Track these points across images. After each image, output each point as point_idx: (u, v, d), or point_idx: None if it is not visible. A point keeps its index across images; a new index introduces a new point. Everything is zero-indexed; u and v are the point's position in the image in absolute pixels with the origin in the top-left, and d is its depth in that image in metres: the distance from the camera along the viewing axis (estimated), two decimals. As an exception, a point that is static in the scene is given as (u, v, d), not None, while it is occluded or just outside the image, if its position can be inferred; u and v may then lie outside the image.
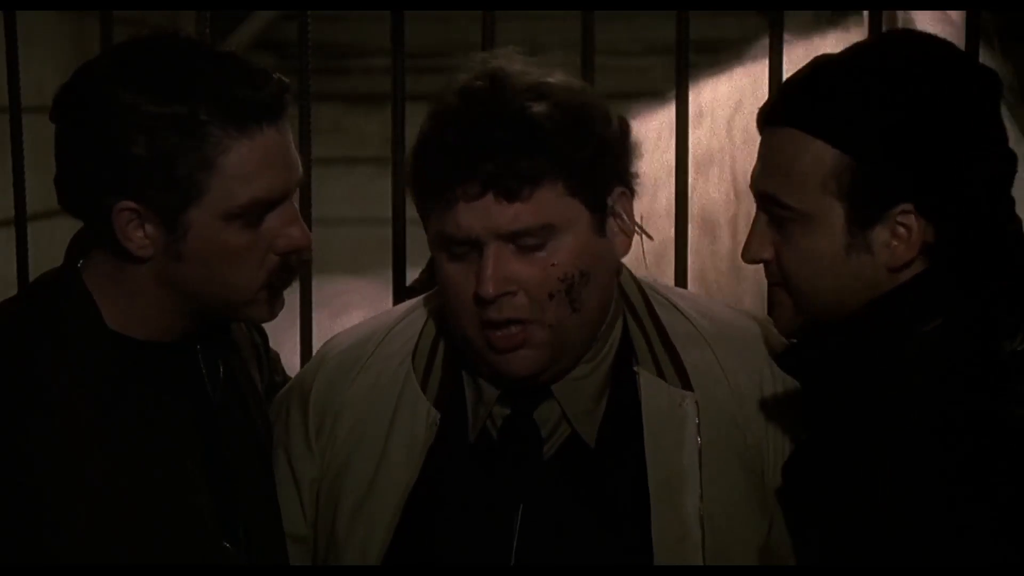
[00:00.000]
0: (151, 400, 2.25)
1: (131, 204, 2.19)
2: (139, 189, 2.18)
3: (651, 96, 3.37)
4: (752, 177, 2.29)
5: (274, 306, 2.31)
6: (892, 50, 2.26)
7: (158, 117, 2.16)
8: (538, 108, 2.26)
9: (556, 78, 2.32)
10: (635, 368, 2.38)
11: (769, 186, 2.25)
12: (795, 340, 2.34)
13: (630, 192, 2.36)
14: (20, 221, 3.04)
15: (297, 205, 2.32)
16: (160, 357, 2.28)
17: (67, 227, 2.33)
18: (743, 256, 2.31)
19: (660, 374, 2.38)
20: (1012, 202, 2.25)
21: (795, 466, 2.33)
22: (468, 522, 2.36)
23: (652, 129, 3.26)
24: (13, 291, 2.64)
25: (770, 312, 2.37)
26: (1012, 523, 2.08)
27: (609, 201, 2.32)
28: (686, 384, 2.38)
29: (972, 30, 2.80)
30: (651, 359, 2.39)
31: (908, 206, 2.19)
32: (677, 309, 2.44)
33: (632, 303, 2.42)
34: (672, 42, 2.88)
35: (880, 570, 2.14)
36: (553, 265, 2.27)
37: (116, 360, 2.24)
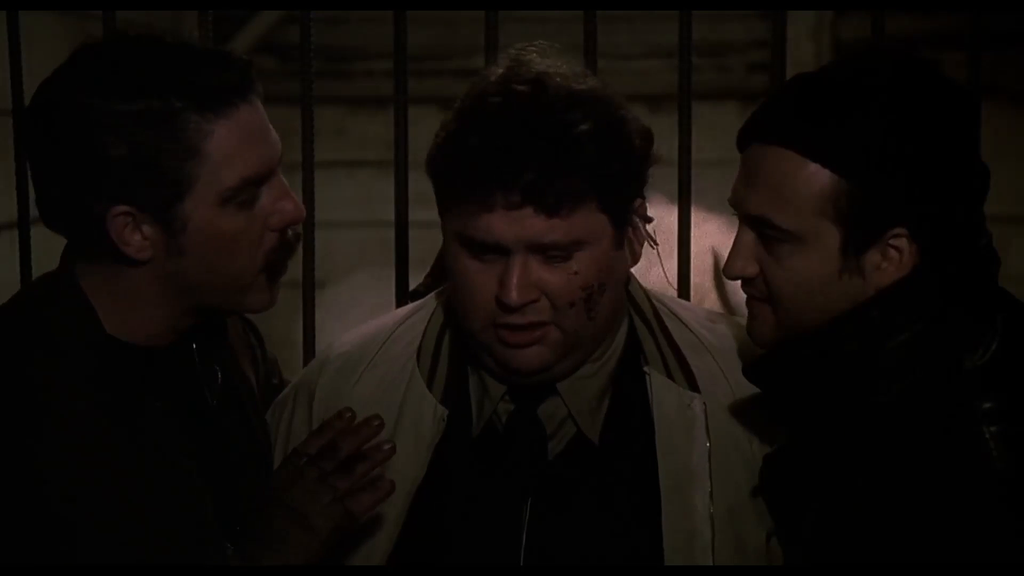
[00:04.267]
0: (150, 405, 2.25)
1: (124, 208, 2.18)
2: (129, 192, 2.18)
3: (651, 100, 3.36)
4: (736, 196, 2.26)
5: (273, 292, 2.30)
6: (879, 70, 2.24)
7: (134, 115, 2.15)
8: (582, 126, 2.26)
9: (592, 86, 2.32)
10: (645, 369, 2.40)
11: (760, 208, 2.22)
12: (764, 352, 2.34)
13: (643, 199, 2.37)
14: (23, 224, 3.04)
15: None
16: (158, 362, 2.28)
17: (69, 231, 2.32)
18: (725, 271, 2.29)
19: (669, 375, 2.40)
20: (984, 217, 2.26)
21: (772, 470, 2.35)
22: (476, 517, 2.37)
23: None
24: (15, 295, 2.64)
25: (749, 324, 2.34)
26: (974, 528, 2.11)
27: (630, 214, 2.34)
28: (693, 387, 2.40)
29: (974, 32, 2.81)
30: (660, 361, 2.41)
31: (901, 229, 2.19)
32: (679, 319, 2.46)
33: (640, 307, 2.44)
34: (674, 45, 2.88)
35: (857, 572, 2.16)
36: (575, 274, 2.29)
37: (115, 365, 2.23)
